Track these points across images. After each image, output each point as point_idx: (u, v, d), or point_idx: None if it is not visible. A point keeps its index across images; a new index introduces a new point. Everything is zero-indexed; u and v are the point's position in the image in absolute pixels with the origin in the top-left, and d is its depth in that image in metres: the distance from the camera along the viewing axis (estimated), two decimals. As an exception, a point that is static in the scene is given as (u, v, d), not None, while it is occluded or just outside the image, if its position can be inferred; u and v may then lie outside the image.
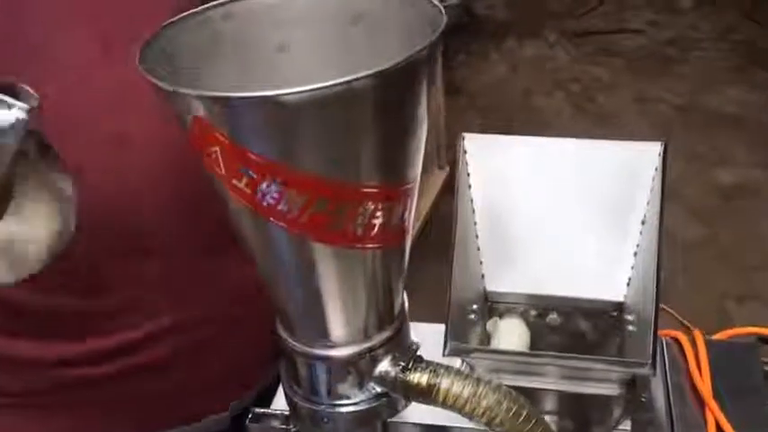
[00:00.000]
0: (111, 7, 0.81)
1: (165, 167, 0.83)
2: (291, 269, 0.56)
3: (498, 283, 0.95)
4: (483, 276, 0.94)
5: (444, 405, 0.62)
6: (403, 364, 0.62)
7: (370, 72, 0.45)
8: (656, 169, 0.86)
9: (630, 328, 0.89)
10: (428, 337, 0.71)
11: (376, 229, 0.54)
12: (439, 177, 3.26)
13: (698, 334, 1.03)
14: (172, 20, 0.55)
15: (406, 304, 0.65)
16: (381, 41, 0.57)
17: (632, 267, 0.91)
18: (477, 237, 0.92)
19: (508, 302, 0.95)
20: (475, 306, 0.92)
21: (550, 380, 0.84)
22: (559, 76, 4.43)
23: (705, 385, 0.95)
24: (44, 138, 0.60)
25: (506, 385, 0.62)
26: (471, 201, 0.90)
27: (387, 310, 0.62)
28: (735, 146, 3.64)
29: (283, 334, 0.63)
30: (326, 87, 0.44)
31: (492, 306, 0.96)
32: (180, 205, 0.85)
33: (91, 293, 0.87)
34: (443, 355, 0.80)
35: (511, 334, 0.92)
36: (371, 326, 0.61)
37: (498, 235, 0.92)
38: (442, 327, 0.83)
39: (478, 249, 0.93)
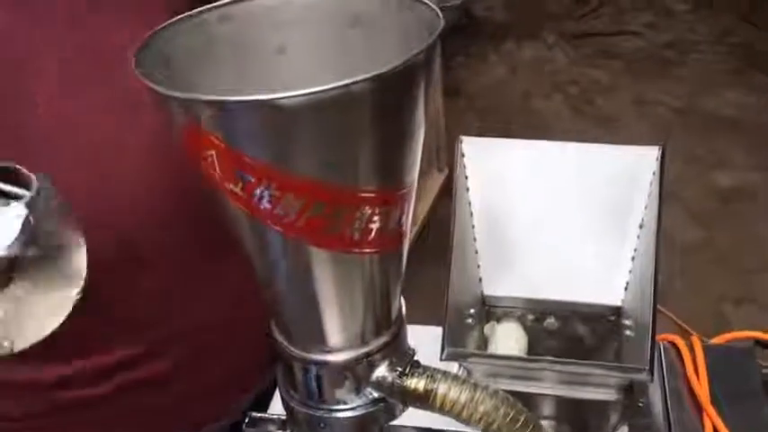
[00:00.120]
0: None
1: (160, 175, 0.82)
2: (288, 274, 0.56)
3: (496, 287, 0.95)
4: (480, 280, 0.94)
5: (441, 410, 0.61)
6: (400, 369, 0.61)
7: (366, 76, 0.44)
8: (654, 173, 0.85)
9: (628, 332, 0.89)
10: (425, 340, 0.71)
11: (373, 233, 0.53)
12: (437, 180, 3.26)
13: (695, 338, 1.03)
14: (167, 22, 0.54)
15: (404, 309, 0.64)
16: (379, 44, 0.57)
17: (630, 271, 0.91)
18: (474, 240, 0.92)
19: (505, 306, 0.95)
20: (472, 310, 0.92)
21: (548, 385, 0.84)
22: (558, 78, 4.44)
23: (703, 390, 0.95)
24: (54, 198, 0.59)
25: (504, 390, 0.62)
26: (469, 204, 0.90)
27: (384, 314, 0.61)
28: (733, 149, 3.64)
29: (280, 338, 0.63)
30: (323, 91, 0.44)
31: (489, 310, 0.95)
32: (176, 213, 0.85)
33: (89, 310, 0.86)
34: (440, 359, 0.80)
35: (508, 338, 0.91)
36: (369, 331, 0.60)
37: (496, 238, 0.92)
38: (439, 330, 0.83)
39: (476, 253, 0.93)
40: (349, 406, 0.63)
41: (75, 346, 0.88)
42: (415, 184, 0.56)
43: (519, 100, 4.23)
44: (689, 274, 2.83)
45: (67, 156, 0.78)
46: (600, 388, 0.84)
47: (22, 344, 0.62)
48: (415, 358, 0.63)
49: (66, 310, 0.63)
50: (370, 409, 0.63)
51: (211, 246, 0.86)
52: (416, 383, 0.61)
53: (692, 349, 1.01)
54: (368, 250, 0.54)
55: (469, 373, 0.85)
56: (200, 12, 0.56)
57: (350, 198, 0.50)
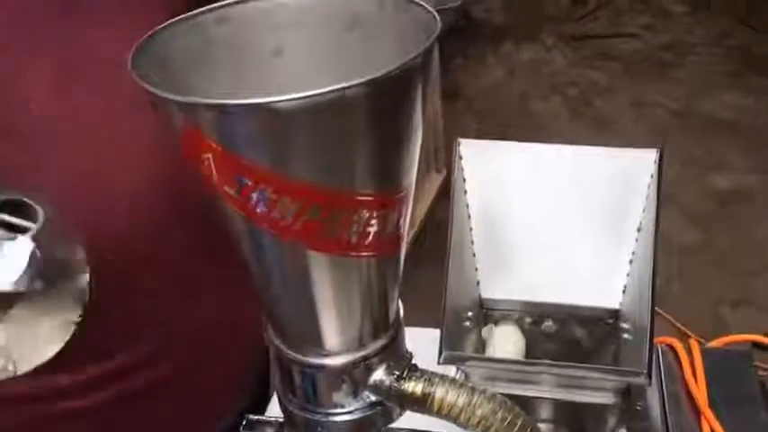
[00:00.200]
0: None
1: (158, 177, 0.82)
2: (285, 277, 0.56)
3: (493, 290, 0.94)
4: (478, 283, 0.94)
5: (439, 414, 0.61)
6: (398, 372, 0.61)
7: (363, 80, 0.44)
8: (652, 176, 0.85)
9: (626, 335, 0.89)
10: (423, 342, 0.71)
11: (371, 236, 0.53)
12: (435, 181, 3.25)
13: (693, 342, 1.02)
14: (164, 24, 0.54)
15: (401, 312, 0.64)
16: (376, 47, 0.57)
17: (628, 274, 0.91)
18: (472, 243, 0.92)
19: (503, 309, 0.95)
20: (470, 313, 0.92)
21: (545, 388, 0.84)
22: (556, 80, 4.44)
23: (701, 393, 0.95)
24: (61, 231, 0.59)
25: (501, 393, 0.61)
26: (467, 206, 0.90)
27: (381, 318, 0.61)
28: (730, 151, 3.64)
29: (277, 342, 0.62)
30: (319, 95, 0.43)
31: (487, 313, 0.95)
32: (173, 218, 0.84)
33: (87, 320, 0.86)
34: (438, 363, 0.79)
35: (506, 341, 0.91)
36: (366, 334, 0.60)
37: (494, 241, 0.92)
38: (436, 332, 0.82)
39: (474, 256, 0.93)
40: (346, 409, 0.63)
41: (74, 357, 0.87)
42: (413, 188, 0.56)
43: (517, 102, 4.23)
44: (687, 277, 2.84)
45: (63, 158, 0.78)
46: (598, 391, 0.83)
47: (25, 366, 0.62)
48: (413, 361, 0.63)
49: (69, 332, 0.63)
50: (368, 413, 0.63)
51: (209, 250, 0.86)
52: (414, 387, 0.61)
53: (689, 352, 1.01)
54: (365, 254, 0.54)
55: (467, 376, 0.85)
56: (197, 14, 0.56)
57: (347, 201, 0.50)
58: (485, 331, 0.93)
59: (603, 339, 0.93)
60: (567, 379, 0.82)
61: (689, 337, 1.05)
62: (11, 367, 0.62)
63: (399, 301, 0.63)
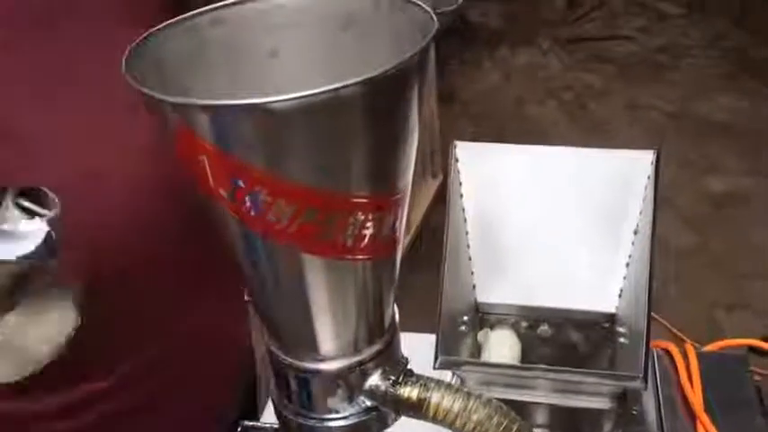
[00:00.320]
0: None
1: (152, 175, 0.81)
2: (279, 281, 0.55)
3: (489, 294, 0.94)
4: (474, 287, 0.93)
5: (435, 419, 0.61)
6: (393, 377, 0.61)
7: (358, 79, 0.44)
8: (649, 177, 0.85)
9: (622, 339, 0.88)
10: (418, 347, 0.70)
11: (366, 239, 0.53)
12: (431, 186, 3.25)
13: (689, 346, 1.02)
14: (158, 27, 0.54)
15: (397, 317, 0.64)
16: (372, 47, 0.56)
17: (624, 278, 0.90)
18: (468, 247, 0.92)
19: (499, 313, 0.95)
20: (466, 317, 0.92)
21: (541, 393, 0.83)
22: (552, 83, 4.44)
23: (696, 398, 0.95)
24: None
25: (497, 399, 0.61)
26: (463, 210, 0.90)
27: (377, 322, 0.61)
28: (726, 154, 3.64)
29: (272, 347, 0.62)
30: (314, 95, 0.43)
31: (483, 317, 0.95)
32: (171, 216, 0.83)
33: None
34: (434, 368, 0.79)
35: (502, 345, 0.91)
36: (362, 339, 0.60)
37: (490, 245, 0.92)
38: (432, 337, 0.82)
39: (470, 259, 0.92)
40: (341, 415, 0.62)
41: (50, 378, 0.86)
42: (409, 190, 0.56)
43: (513, 106, 4.23)
44: (682, 280, 2.84)
45: (59, 161, 0.77)
46: (594, 396, 0.83)
47: (14, 373, 0.62)
48: (409, 367, 0.63)
49: (61, 343, 0.63)
50: (363, 418, 0.63)
51: (207, 254, 0.85)
52: (410, 392, 0.60)
53: (685, 356, 1.01)
54: (361, 257, 0.54)
55: (463, 381, 0.85)
56: (193, 15, 0.55)
57: (343, 204, 0.50)
58: (480, 335, 0.93)
59: (599, 343, 0.92)
60: (563, 384, 0.82)
61: (684, 341, 1.05)
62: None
63: (395, 305, 0.63)
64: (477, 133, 3.80)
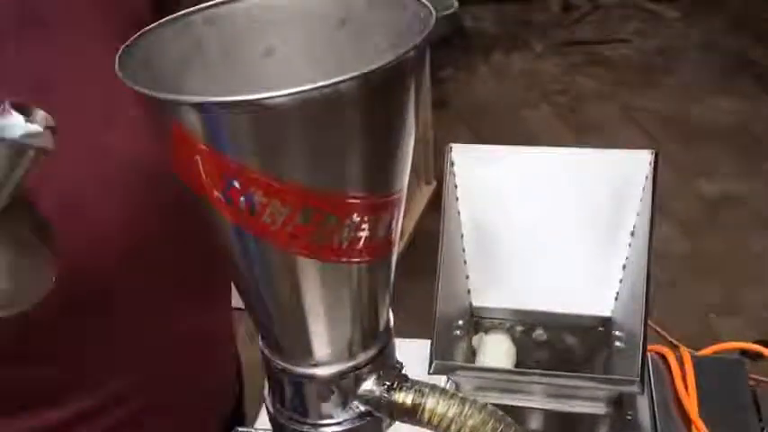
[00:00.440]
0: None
1: (131, 188, 0.80)
2: (274, 284, 0.55)
3: (484, 299, 0.94)
4: (469, 291, 0.93)
5: (429, 425, 0.60)
6: (388, 383, 0.60)
7: (354, 74, 0.43)
8: (647, 178, 0.85)
9: (618, 344, 0.88)
10: (413, 352, 0.70)
11: (362, 242, 0.52)
12: (425, 193, 3.25)
13: (684, 351, 1.02)
14: (150, 26, 0.53)
15: (392, 322, 0.63)
16: (369, 46, 0.56)
17: (620, 281, 0.90)
18: (463, 250, 0.91)
19: (494, 318, 0.94)
20: (460, 321, 0.91)
21: (537, 398, 0.83)
22: (547, 88, 4.45)
23: (691, 402, 0.94)
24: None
25: (492, 404, 0.61)
26: (458, 214, 0.89)
27: (372, 327, 0.60)
28: (722, 157, 3.65)
29: (266, 351, 0.62)
30: (308, 91, 0.42)
31: (478, 321, 0.95)
32: (144, 254, 0.82)
33: (52, 359, 0.83)
34: (429, 373, 0.79)
35: (497, 350, 0.91)
36: (356, 344, 0.59)
37: (485, 249, 0.91)
38: (426, 342, 0.82)
39: (465, 263, 0.92)
40: (335, 420, 0.62)
41: (40, 399, 0.84)
42: (405, 191, 0.55)
43: (508, 110, 4.24)
44: (676, 284, 2.84)
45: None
46: (589, 401, 0.83)
47: None
48: (403, 372, 0.62)
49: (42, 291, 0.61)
50: (357, 424, 0.62)
51: (197, 259, 0.85)
52: (404, 397, 0.60)
53: (680, 361, 1.00)
54: (356, 259, 0.53)
55: (458, 386, 0.84)
56: (185, 14, 0.55)
57: (338, 205, 0.49)
58: (475, 340, 0.93)
59: (595, 347, 0.92)
60: (559, 388, 0.82)
61: (678, 345, 1.04)
62: None
63: (390, 311, 0.62)
64: (471, 139, 3.80)
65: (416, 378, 0.62)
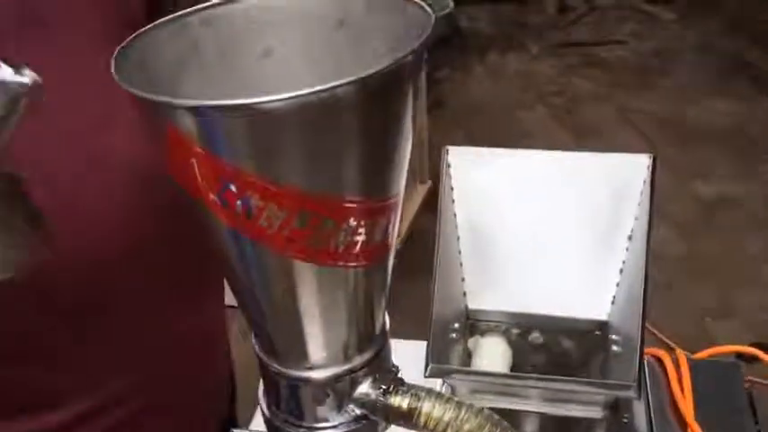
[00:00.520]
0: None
1: (130, 190, 0.79)
2: (269, 287, 0.55)
3: (480, 301, 0.93)
4: (465, 294, 0.93)
5: (425, 429, 0.60)
6: (384, 386, 0.60)
7: (352, 79, 0.43)
8: (645, 182, 0.85)
9: (615, 348, 0.88)
10: (407, 354, 0.70)
11: (358, 246, 0.52)
12: (420, 192, 3.25)
13: (681, 354, 1.01)
14: (146, 27, 0.53)
15: (387, 325, 0.63)
16: (367, 48, 0.56)
17: (617, 285, 0.90)
18: (459, 253, 0.91)
19: (490, 320, 0.94)
20: (456, 324, 0.91)
21: (533, 402, 0.83)
22: (543, 89, 4.45)
23: (687, 406, 0.94)
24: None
25: (488, 407, 0.60)
26: (455, 216, 0.89)
27: (368, 330, 0.60)
28: (718, 159, 3.65)
29: (261, 354, 0.61)
30: (306, 95, 0.42)
31: (473, 324, 0.94)
32: (143, 254, 0.82)
33: (52, 360, 0.82)
34: (425, 376, 0.78)
35: (492, 353, 0.90)
36: (352, 347, 0.59)
37: (481, 251, 0.91)
38: (421, 343, 0.81)
39: (461, 266, 0.91)
40: (331, 423, 0.62)
41: (32, 400, 0.83)
42: (402, 195, 0.55)
43: (503, 111, 4.23)
44: (672, 287, 2.84)
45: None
46: (585, 405, 0.83)
47: None
48: (399, 375, 0.62)
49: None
50: (353, 427, 0.62)
51: (177, 288, 0.84)
52: (400, 401, 0.60)
53: (677, 364, 1.00)
54: (352, 264, 0.53)
55: (453, 389, 0.84)
56: (182, 15, 0.54)
57: (335, 209, 0.49)
58: (471, 342, 0.92)
59: (591, 351, 0.92)
60: (555, 392, 0.81)
61: (674, 348, 1.04)
62: None
63: (386, 313, 0.62)
64: (467, 139, 3.80)
65: (412, 381, 0.62)
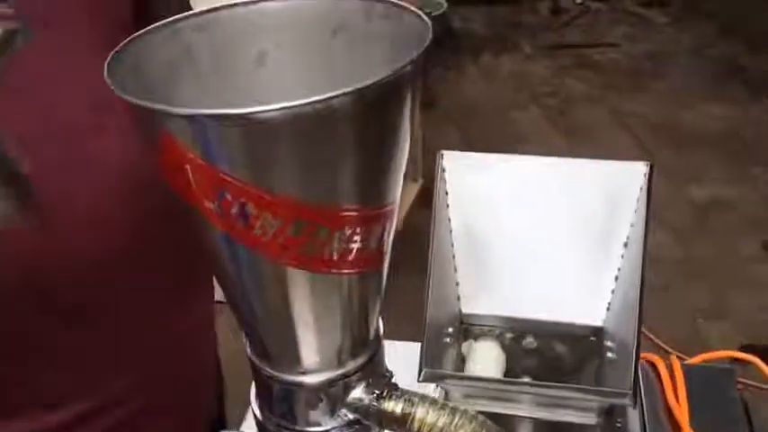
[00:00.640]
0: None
1: (122, 195, 0.79)
2: (264, 294, 0.54)
3: (474, 306, 0.93)
4: (459, 298, 0.92)
5: (419, 435, 0.60)
6: (377, 391, 0.60)
7: (348, 90, 0.42)
8: (642, 189, 0.84)
9: (609, 354, 0.87)
10: (400, 355, 0.69)
11: (353, 253, 0.52)
12: (412, 190, 3.26)
13: (675, 359, 1.01)
14: (140, 32, 0.52)
15: (381, 329, 0.63)
16: (364, 55, 0.55)
17: (612, 291, 0.89)
18: (453, 257, 0.91)
19: (484, 325, 0.94)
20: (450, 329, 0.90)
21: (526, 407, 0.83)
22: (536, 89, 4.45)
23: (682, 412, 0.94)
24: None
25: (482, 411, 0.60)
26: (449, 220, 0.89)
27: (362, 335, 0.60)
28: (712, 163, 3.65)
29: (254, 358, 0.61)
30: (300, 106, 0.42)
31: (467, 328, 0.94)
32: (142, 255, 0.81)
33: (52, 361, 0.82)
34: (418, 381, 0.78)
35: (486, 357, 0.90)
36: (345, 352, 0.59)
37: (475, 256, 0.91)
38: (414, 345, 0.81)
39: (455, 270, 0.91)
40: (323, 428, 0.61)
41: (25, 403, 0.83)
42: (398, 202, 0.55)
43: (497, 112, 4.23)
44: (666, 290, 2.84)
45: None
46: (579, 411, 0.82)
47: None
48: (393, 380, 0.62)
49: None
50: (345, 432, 0.62)
51: (172, 289, 0.84)
52: (394, 406, 0.59)
53: (671, 370, 1.00)
54: (347, 271, 0.53)
55: (447, 393, 0.84)
56: (175, 20, 0.54)
57: (331, 217, 0.49)
58: (465, 347, 0.92)
59: (586, 357, 0.91)
60: (549, 398, 0.81)
61: (668, 352, 1.04)
62: None
63: (380, 318, 0.62)
64: (460, 139, 3.80)
65: (406, 385, 0.62)
